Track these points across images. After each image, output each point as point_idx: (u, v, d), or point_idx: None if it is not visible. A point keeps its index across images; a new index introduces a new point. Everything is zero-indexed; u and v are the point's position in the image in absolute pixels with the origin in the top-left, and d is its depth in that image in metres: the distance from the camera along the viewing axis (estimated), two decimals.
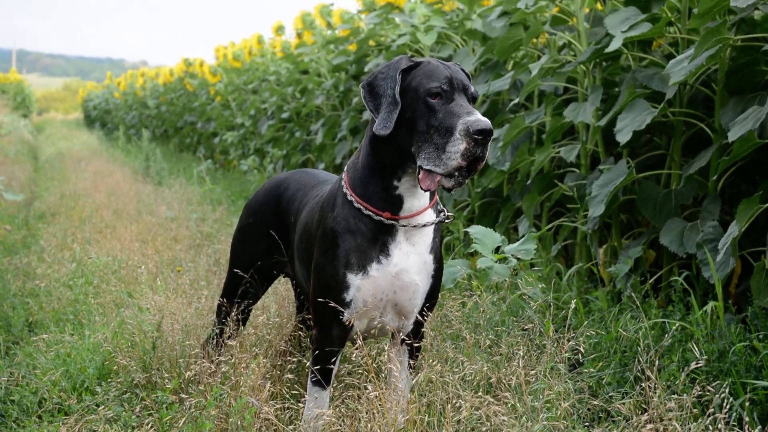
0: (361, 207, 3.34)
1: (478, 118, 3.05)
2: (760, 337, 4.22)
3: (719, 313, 4.46)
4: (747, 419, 2.96)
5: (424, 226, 3.37)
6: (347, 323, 3.38)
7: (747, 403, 3.10)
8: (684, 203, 5.31)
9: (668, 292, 5.33)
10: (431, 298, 3.51)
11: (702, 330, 4.37)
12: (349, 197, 3.38)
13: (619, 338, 4.51)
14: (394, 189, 3.31)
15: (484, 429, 3.29)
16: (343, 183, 3.44)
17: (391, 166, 3.29)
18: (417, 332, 3.58)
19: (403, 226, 3.33)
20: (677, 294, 4.89)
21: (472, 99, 3.24)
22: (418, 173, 3.15)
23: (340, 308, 3.34)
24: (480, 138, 3.03)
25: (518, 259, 4.91)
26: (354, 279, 3.32)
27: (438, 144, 3.09)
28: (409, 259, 3.36)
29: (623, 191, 5.59)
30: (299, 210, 3.88)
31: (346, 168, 3.50)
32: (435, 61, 3.29)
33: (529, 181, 6.36)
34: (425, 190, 3.16)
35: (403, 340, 3.56)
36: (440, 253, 3.50)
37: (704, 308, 4.55)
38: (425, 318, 3.53)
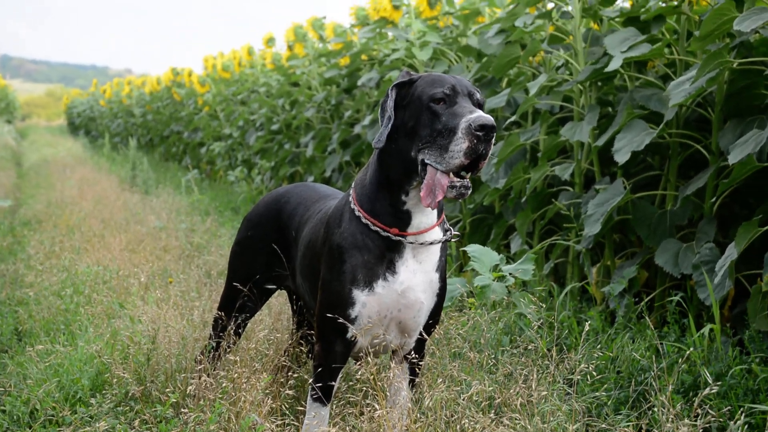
0: (369, 223, 3.32)
1: (480, 114, 3.04)
2: (757, 360, 4.23)
3: (716, 335, 4.47)
4: None
5: (431, 243, 3.35)
6: (352, 339, 3.36)
7: (746, 426, 3.09)
8: (679, 224, 5.32)
9: (662, 312, 5.34)
10: (435, 316, 3.49)
11: (699, 353, 4.37)
12: (356, 213, 3.36)
13: (616, 359, 4.51)
14: (402, 204, 3.30)
15: None
16: (350, 198, 3.42)
17: (397, 181, 3.28)
18: (419, 349, 3.56)
19: (411, 243, 3.31)
20: (672, 315, 4.90)
21: (478, 105, 3.24)
22: (421, 188, 3.14)
23: (347, 323, 3.32)
24: (482, 134, 3.02)
25: (514, 277, 4.91)
26: (360, 295, 3.30)
27: (441, 145, 3.09)
28: (415, 277, 3.34)
29: (618, 211, 5.59)
30: (301, 225, 3.86)
31: (353, 184, 3.48)
32: (440, 73, 3.30)
33: (523, 199, 6.36)
34: (427, 206, 3.15)
35: (405, 357, 3.54)
36: (445, 271, 3.48)
37: (701, 331, 4.56)
38: (428, 335, 3.51)
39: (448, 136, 3.08)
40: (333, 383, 3.45)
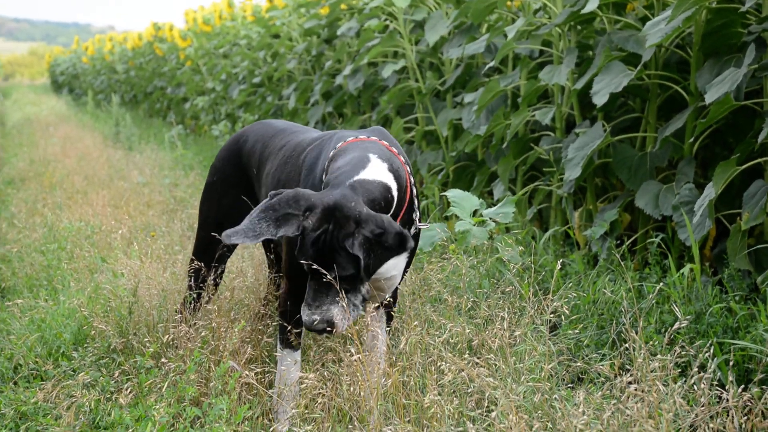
0: None
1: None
2: (737, 298, 4.25)
3: (696, 275, 4.49)
4: (730, 379, 2.98)
5: None
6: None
7: (730, 363, 3.12)
8: (659, 166, 5.32)
9: (644, 254, 5.36)
10: (408, 266, 3.50)
11: (679, 292, 4.39)
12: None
13: (597, 301, 4.53)
14: None
15: (467, 391, 3.29)
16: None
17: None
18: (392, 294, 3.55)
19: None
20: (653, 257, 4.91)
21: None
22: None
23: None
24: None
25: (496, 222, 4.90)
26: None
27: None
28: None
29: (598, 154, 5.59)
30: (261, 161, 3.86)
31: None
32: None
33: (504, 145, 6.35)
34: None
35: (380, 305, 3.55)
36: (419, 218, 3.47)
37: (681, 271, 4.58)
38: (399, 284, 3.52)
39: None
40: (300, 327, 3.44)
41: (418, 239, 3.52)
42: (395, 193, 3.23)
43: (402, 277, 3.49)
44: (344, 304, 3.06)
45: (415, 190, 3.39)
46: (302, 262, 3.03)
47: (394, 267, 3.36)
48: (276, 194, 3.05)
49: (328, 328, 3.06)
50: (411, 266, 3.73)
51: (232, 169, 4.07)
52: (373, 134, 3.46)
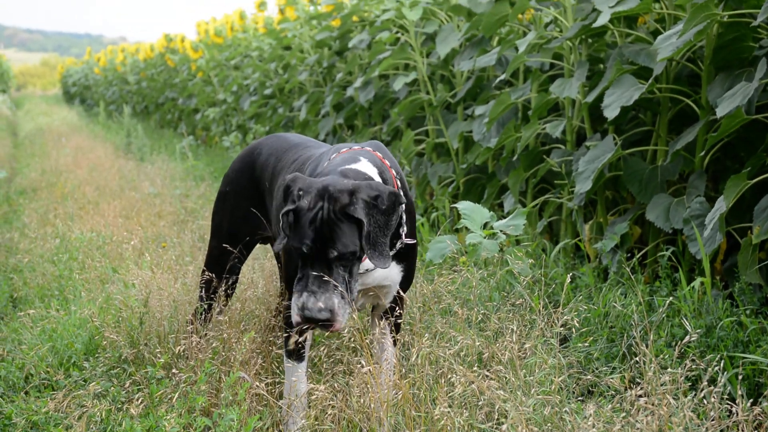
0: None
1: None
2: (747, 312, 4.25)
3: (707, 288, 4.48)
4: (740, 393, 2.98)
5: None
6: None
7: (740, 377, 3.11)
8: (670, 179, 5.32)
9: (654, 267, 5.35)
10: (407, 279, 3.51)
11: (690, 306, 4.39)
12: None
13: (608, 314, 4.53)
14: None
15: (478, 403, 3.29)
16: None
17: None
18: (397, 303, 3.55)
19: None
20: (664, 270, 4.91)
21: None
22: None
23: None
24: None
25: (506, 234, 4.91)
26: None
27: None
28: None
29: (609, 168, 5.59)
30: (274, 175, 3.88)
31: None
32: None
33: (515, 158, 6.36)
34: None
35: (384, 315, 3.55)
36: (414, 234, 3.47)
37: (692, 284, 4.57)
38: (404, 291, 3.52)
39: None
40: (305, 338, 3.45)
41: (411, 255, 3.51)
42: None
43: (405, 288, 3.51)
44: (342, 290, 3.04)
45: (404, 207, 3.39)
46: (299, 246, 3.04)
47: (385, 278, 3.41)
48: (293, 180, 3.13)
49: (330, 319, 3.02)
50: (415, 280, 3.73)
51: (245, 181, 4.09)
52: (368, 145, 3.50)
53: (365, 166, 3.30)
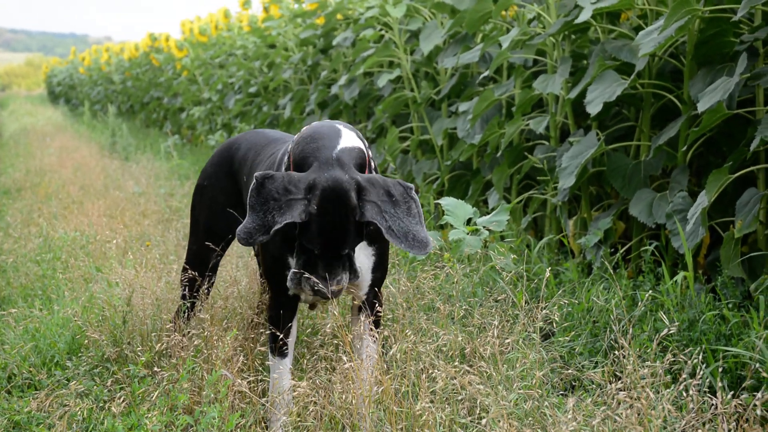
0: None
1: None
2: (730, 306, 4.26)
3: (689, 282, 4.49)
4: (719, 385, 2.99)
5: None
6: (291, 294, 3.40)
7: (719, 370, 3.13)
8: (653, 174, 5.34)
9: (638, 262, 5.37)
10: (380, 264, 3.49)
11: (672, 300, 4.40)
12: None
13: (591, 309, 4.54)
14: None
15: (459, 398, 3.30)
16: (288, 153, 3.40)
17: None
18: (375, 297, 3.54)
19: None
20: (647, 264, 4.92)
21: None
22: None
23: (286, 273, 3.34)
24: None
25: (489, 230, 4.91)
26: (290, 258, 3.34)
27: None
28: None
29: (593, 163, 5.60)
30: (252, 170, 3.86)
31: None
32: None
33: (499, 154, 6.37)
34: None
35: (361, 309, 3.55)
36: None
37: (674, 278, 4.58)
38: (377, 287, 3.51)
39: None
40: (288, 331, 3.47)
41: (382, 238, 3.43)
42: (370, 162, 3.33)
43: (380, 275, 3.50)
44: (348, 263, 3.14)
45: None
46: (311, 246, 3.08)
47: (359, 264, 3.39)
48: (264, 178, 3.07)
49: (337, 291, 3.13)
50: (398, 276, 3.73)
51: (223, 175, 4.08)
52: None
53: (352, 139, 3.25)
